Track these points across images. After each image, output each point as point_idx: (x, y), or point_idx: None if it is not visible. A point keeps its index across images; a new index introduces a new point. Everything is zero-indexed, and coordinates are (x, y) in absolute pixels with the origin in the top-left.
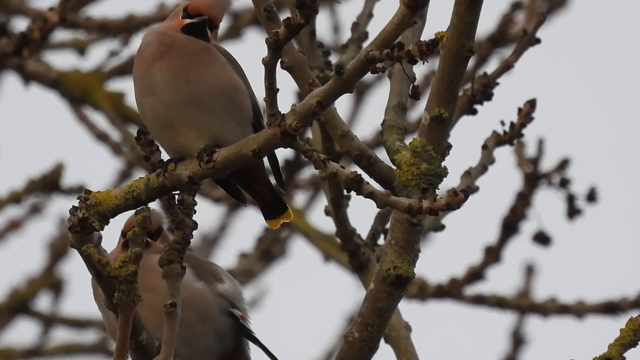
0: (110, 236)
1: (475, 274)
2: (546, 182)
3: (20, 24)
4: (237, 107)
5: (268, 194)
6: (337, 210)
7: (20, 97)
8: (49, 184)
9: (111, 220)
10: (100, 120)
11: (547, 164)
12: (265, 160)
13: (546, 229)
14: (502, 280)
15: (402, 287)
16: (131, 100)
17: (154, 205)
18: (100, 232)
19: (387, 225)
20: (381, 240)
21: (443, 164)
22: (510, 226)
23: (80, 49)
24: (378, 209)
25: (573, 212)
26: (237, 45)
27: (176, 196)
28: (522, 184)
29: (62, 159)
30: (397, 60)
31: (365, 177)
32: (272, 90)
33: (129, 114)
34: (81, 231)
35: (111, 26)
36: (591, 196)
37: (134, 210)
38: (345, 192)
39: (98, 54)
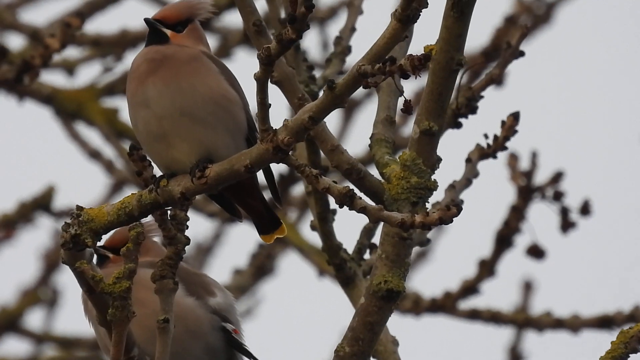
0: None
1: (470, 288)
2: (540, 195)
3: (13, 41)
4: (231, 119)
5: (262, 209)
6: (323, 224)
7: (13, 115)
8: (39, 206)
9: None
10: (93, 137)
11: (541, 177)
12: (260, 174)
13: (540, 242)
14: (496, 294)
15: (392, 301)
16: (125, 116)
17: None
18: (92, 248)
19: (373, 240)
20: (367, 255)
21: (433, 177)
22: (504, 240)
23: (69, 69)
24: (365, 224)
25: (567, 225)
26: (226, 64)
27: (168, 211)
28: (515, 197)
29: (54, 179)
30: (389, 75)
31: (357, 191)
32: (264, 105)
33: (123, 129)
34: (73, 247)
35: (105, 41)
36: (585, 209)
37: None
38: (331, 206)
39: (92, 70)
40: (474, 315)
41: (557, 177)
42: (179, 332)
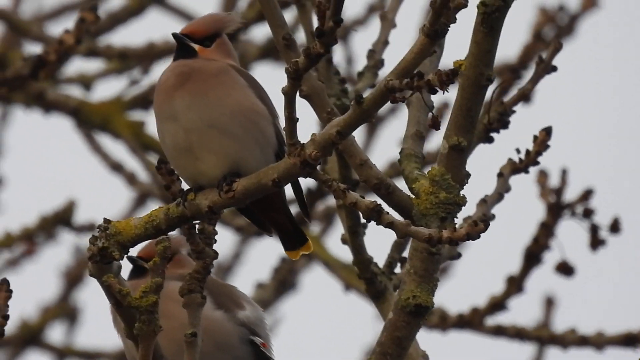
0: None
1: (497, 304)
2: (569, 212)
3: (34, 49)
4: (259, 132)
5: (288, 224)
6: (354, 238)
7: (35, 128)
8: (60, 220)
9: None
10: (115, 149)
11: (571, 194)
12: (289, 189)
13: (569, 259)
14: (524, 310)
15: (421, 316)
16: (151, 129)
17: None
18: (120, 261)
19: (404, 254)
20: (398, 269)
21: (461, 192)
22: (532, 256)
23: (86, 84)
24: (395, 238)
25: (596, 242)
26: None
27: (196, 225)
28: (545, 214)
29: (75, 192)
30: (417, 90)
31: (384, 205)
32: (291, 119)
33: (149, 142)
34: (101, 261)
35: (132, 54)
36: (614, 227)
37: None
38: (362, 220)
39: (118, 83)
40: (499, 331)
41: (587, 195)
42: (207, 345)
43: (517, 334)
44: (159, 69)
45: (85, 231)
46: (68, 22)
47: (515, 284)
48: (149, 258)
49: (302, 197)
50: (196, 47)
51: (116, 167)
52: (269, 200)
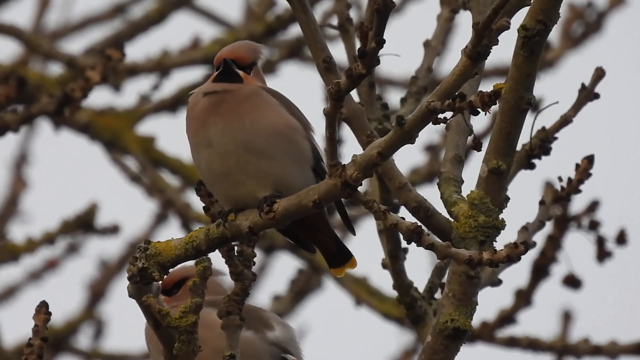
0: None
1: (506, 318)
2: (576, 224)
3: (51, 69)
4: (295, 149)
5: (331, 243)
6: (395, 262)
7: (54, 138)
8: (82, 224)
9: None
10: (133, 162)
11: (577, 206)
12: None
13: (576, 272)
14: (533, 323)
15: (459, 339)
16: (161, 144)
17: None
18: (159, 282)
19: (444, 279)
20: (438, 294)
21: (501, 216)
22: (540, 269)
23: (116, 85)
24: (435, 263)
25: (603, 254)
26: (272, 80)
27: (235, 248)
28: (551, 227)
29: (96, 199)
30: (459, 111)
31: (424, 227)
32: (332, 140)
33: (159, 158)
34: (141, 281)
35: (141, 69)
36: (621, 238)
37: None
38: (402, 244)
39: (131, 93)
40: (512, 343)
41: (593, 207)
42: None
43: (530, 344)
44: (170, 83)
45: (108, 234)
46: (93, 34)
47: (523, 298)
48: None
49: (345, 212)
50: (241, 73)
51: (135, 179)
52: (311, 221)
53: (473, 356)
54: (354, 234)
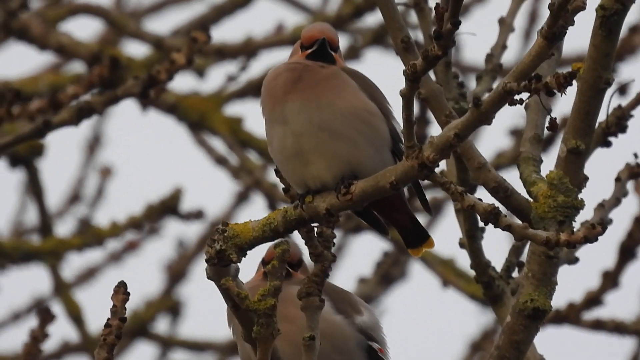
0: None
1: (593, 300)
2: None
3: (135, 49)
4: (373, 132)
5: (409, 223)
6: (472, 242)
7: (138, 120)
8: (167, 209)
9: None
10: (219, 144)
11: None
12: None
13: None
14: (620, 305)
15: (538, 319)
16: (249, 125)
17: (293, 236)
18: (238, 264)
19: (522, 258)
20: (515, 273)
21: (580, 196)
22: (627, 251)
23: (200, 71)
24: (513, 242)
25: None
26: (356, 66)
27: (315, 229)
28: (639, 209)
29: (181, 183)
30: (535, 92)
31: (502, 208)
32: (409, 121)
33: (246, 139)
34: (218, 263)
35: (228, 51)
36: None
37: (273, 242)
38: (479, 224)
39: (215, 79)
40: (598, 325)
41: None
42: (325, 349)
43: (615, 328)
44: (257, 65)
45: (192, 219)
46: (167, 19)
47: (610, 279)
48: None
49: (422, 191)
50: (334, 55)
51: (221, 161)
52: (389, 202)
53: (559, 338)
54: (431, 215)
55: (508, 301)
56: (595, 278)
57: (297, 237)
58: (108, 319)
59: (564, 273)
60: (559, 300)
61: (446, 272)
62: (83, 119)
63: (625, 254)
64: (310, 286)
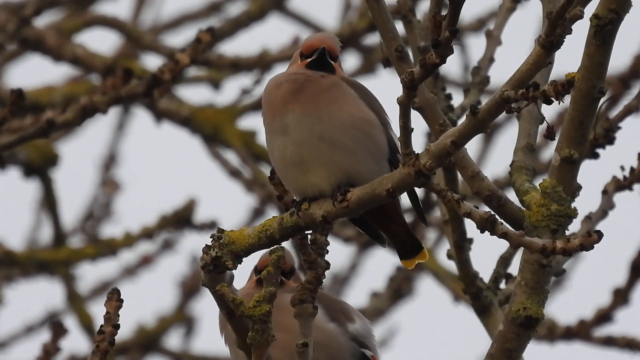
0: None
1: (604, 316)
2: None
3: (152, 61)
4: (371, 142)
5: (403, 234)
6: (460, 253)
7: (153, 132)
8: (181, 219)
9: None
10: (233, 156)
11: None
12: (404, 195)
13: None
14: (630, 322)
15: (531, 328)
16: (262, 139)
17: (287, 244)
18: (233, 271)
19: (510, 269)
20: (503, 284)
21: (573, 204)
22: (638, 268)
23: (215, 82)
24: (501, 253)
25: None
26: (370, 81)
27: (309, 236)
28: None
29: (195, 194)
30: (533, 101)
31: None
32: (406, 129)
33: (260, 152)
34: (214, 270)
35: (243, 64)
36: None
37: (268, 249)
38: (468, 235)
39: (230, 91)
40: (609, 342)
41: None
42: (319, 357)
43: (627, 344)
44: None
45: (206, 229)
46: (186, 32)
47: (621, 296)
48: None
49: (418, 202)
50: (334, 64)
51: (235, 173)
52: (384, 210)
53: (570, 354)
54: (426, 225)
55: (496, 312)
56: (605, 295)
57: (289, 244)
58: (101, 326)
59: (575, 290)
60: (570, 316)
61: (457, 287)
62: (87, 118)
63: (636, 271)
64: (303, 293)
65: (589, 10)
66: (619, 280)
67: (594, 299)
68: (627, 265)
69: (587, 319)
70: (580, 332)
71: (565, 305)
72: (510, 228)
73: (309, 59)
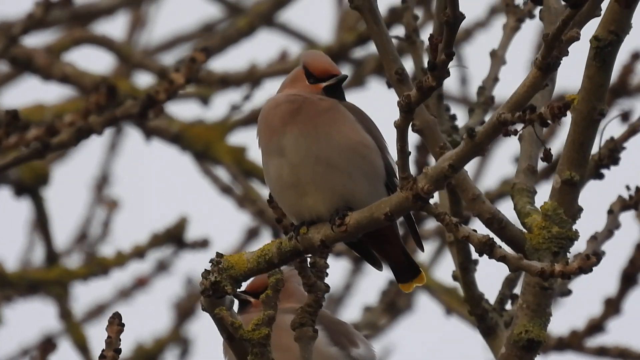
0: None
1: (596, 326)
2: None
3: (141, 79)
4: (368, 166)
5: (401, 257)
6: (465, 274)
7: (143, 148)
8: (172, 238)
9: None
10: (224, 173)
11: None
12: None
13: None
14: (623, 332)
15: (533, 351)
16: (253, 155)
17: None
18: (232, 295)
19: (515, 290)
20: (509, 305)
21: (574, 227)
22: (629, 277)
23: (204, 98)
24: (506, 274)
25: None
26: (360, 94)
27: (308, 259)
28: None
29: (186, 212)
30: (529, 123)
31: (496, 239)
32: (404, 152)
33: (250, 169)
34: (213, 295)
35: (232, 79)
36: None
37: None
38: (473, 256)
39: (219, 106)
40: (602, 352)
41: None
42: None
43: (620, 354)
44: (261, 94)
45: (199, 248)
46: (179, 53)
47: (613, 306)
48: (254, 292)
49: (415, 227)
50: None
51: (226, 190)
52: (382, 234)
53: None
54: (423, 250)
55: (501, 333)
56: (597, 305)
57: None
58: (103, 350)
59: (566, 300)
60: (561, 327)
61: (451, 300)
62: (82, 139)
63: (627, 281)
64: (303, 316)
65: (586, 31)
66: (611, 290)
67: (585, 309)
68: (619, 274)
69: (579, 330)
70: (573, 342)
71: (557, 316)
72: (509, 251)
73: (325, 84)
